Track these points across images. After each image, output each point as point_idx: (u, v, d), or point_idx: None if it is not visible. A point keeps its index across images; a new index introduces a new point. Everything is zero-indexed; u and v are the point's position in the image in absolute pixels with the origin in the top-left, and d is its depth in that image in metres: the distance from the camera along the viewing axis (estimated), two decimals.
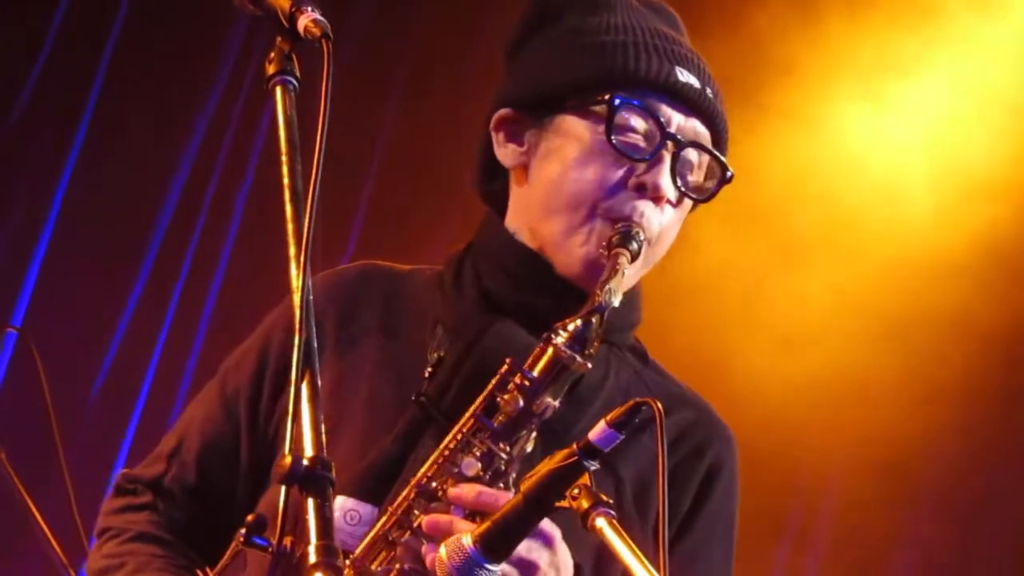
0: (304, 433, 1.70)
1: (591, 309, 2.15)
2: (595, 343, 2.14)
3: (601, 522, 1.96)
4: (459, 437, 2.17)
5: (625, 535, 1.94)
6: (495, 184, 2.44)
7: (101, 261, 5.59)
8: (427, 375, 2.30)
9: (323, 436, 1.71)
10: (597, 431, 1.98)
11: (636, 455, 2.27)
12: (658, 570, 1.93)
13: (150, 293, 5.70)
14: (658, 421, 2.00)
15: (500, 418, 2.16)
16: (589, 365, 2.15)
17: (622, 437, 1.96)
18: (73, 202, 5.57)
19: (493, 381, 2.17)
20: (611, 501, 1.97)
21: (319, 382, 1.74)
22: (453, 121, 4.97)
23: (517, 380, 2.15)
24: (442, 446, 2.17)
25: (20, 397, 5.15)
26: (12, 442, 4.57)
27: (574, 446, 1.99)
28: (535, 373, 2.14)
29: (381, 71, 5.84)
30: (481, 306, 2.34)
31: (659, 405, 1.99)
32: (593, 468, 1.98)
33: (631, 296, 2.37)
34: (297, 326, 1.75)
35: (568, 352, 2.13)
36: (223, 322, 5.70)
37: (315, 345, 1.76)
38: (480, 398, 2.17)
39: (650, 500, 2.33)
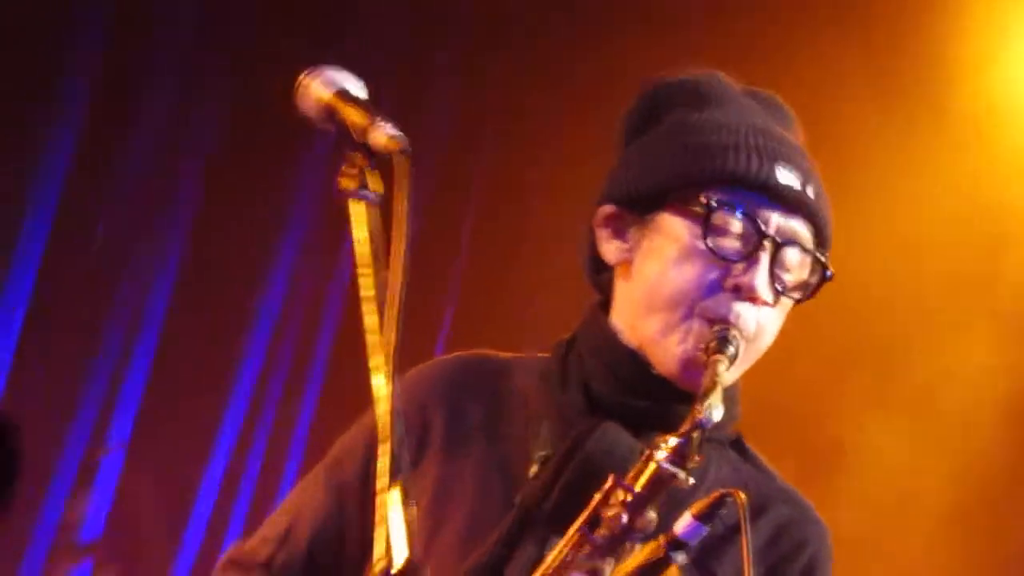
0: (394, 542, 1.74)
1: (692, 425, 2.14)
2: (696, 457, 2.15)
3: None
4: (564, 553, 2.18)
5: None
6: (602, 276, 2.47)
7: (204, 375, 5.67)
8: (532, 475, 2.33)
9: (414, 542, 1.75)
10: (683, 524, 1.99)
11: (734, 555, 2.24)
12: None
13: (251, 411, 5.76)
14: (741, 511, 2.01)
15: (604, 533, 2.14)
16: (692, 480, 2.15)
17: (707, 530, 1.97)
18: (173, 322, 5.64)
19: (597, 497, 2.16)
20: None
21: (409, 488, 1.78)
22: (549, 199, 5.00)
23: (620, 495, 2.15)
24: (546, 564, 2.18)
25: (130, 512, 5.22)
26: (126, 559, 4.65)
27: (660, 539, 2.01)
28: (638, 488, 2.14)
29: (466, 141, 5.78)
30: (585, 405, 2.37)
31: (742, 496, 2.00)
32: (680, 561, 2.00)
33: (731, 391, 2.35)
34: (384, 435, 1.80)
35: (670, 470, 2.13)
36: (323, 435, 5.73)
37: (406, 454, 1.80)
38: (585, 513, 2.17)
39: None
